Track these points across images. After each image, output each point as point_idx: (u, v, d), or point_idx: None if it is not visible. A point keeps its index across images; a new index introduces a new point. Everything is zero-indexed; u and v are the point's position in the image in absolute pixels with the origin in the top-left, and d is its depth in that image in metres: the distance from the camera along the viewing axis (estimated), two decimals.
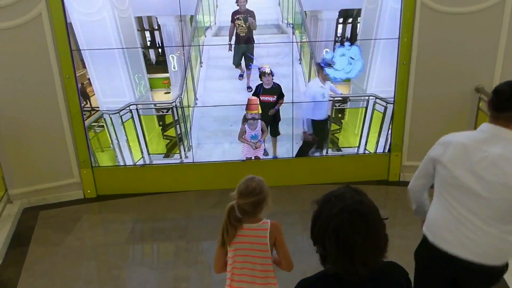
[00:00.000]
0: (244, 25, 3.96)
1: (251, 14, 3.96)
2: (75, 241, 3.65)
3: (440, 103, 3.97)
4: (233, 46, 4.06)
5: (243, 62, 4.20)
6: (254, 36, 4.04)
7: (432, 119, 4.03)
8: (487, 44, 3.73)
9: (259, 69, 4.09)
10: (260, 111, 4.14)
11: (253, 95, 4.16)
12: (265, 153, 4.32)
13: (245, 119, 4.09)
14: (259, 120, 4.11)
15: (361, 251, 1.24)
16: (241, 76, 4.20)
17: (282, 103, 4.17)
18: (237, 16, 3.99)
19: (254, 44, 4.06)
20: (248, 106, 4.07)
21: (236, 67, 4.16)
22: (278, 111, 4.21)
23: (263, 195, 2.03)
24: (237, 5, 3.94)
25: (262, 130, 4.16)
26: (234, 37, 4.07)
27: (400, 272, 1.42)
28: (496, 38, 3.68)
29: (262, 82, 4.10)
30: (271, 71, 4.06)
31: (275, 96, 4.14)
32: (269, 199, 2.07)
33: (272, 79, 4.09)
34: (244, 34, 4.04)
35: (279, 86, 4.12)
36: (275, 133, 4.32)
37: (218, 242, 2.11)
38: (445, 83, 3.90)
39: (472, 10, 3.66)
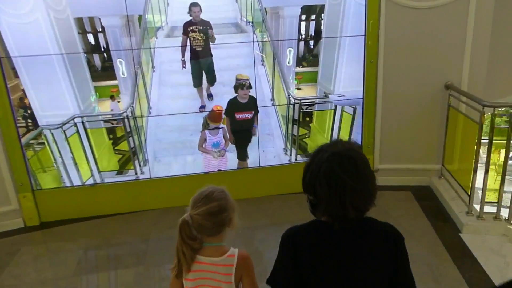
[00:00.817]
0: (200, 38, 3.68)
1: (208, 25, 3.69)
2: (10, 279, 3.22)
3: (410, 101, 3.94)
4: (187, 63, 3.78)
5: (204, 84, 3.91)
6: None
7: (402, 119, 4.00)
8: (455, 39, 3.72)
9: (237, 80, 3.76)
10: (224, 123, 3.89)
11: (225, 114, 3.85)
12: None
13: (205, 124, 3.84)
14: (221, 128, 3.89)
15: (351, 193, 1.32)
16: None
17: (257, 119, 3.92)
18: (191, 28, 3.68)
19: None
20: (211, 116, 3.79)
21: (197, 87, 3.88)
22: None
23: (224, 203, 1.63)
24: (190, 15, 3.61)
25: (224, 138, 3.93)
26: (187, 52, 3.79)
27: (393, 231, 1.45)
28: (463, 32, 3.67)
29: (236, 95, 3.79)
30: (250, 84, 3.75)
31: (252, 112, 3.85)
32: (235, 216, 1.68)
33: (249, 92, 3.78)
34: (201, 49, 3.74)
35: (254, 99, 3.87)
36: (244, 155, 4.04)
37: (172, 271, 1.69)
38: (415, 80, 3.87)
39: (438, 4, 3.66)
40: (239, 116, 3.85)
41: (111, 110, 3.83)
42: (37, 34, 3.46)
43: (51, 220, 3.94)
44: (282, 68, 3.98)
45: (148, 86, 3.88)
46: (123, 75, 3.72)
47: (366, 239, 1.40)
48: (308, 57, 4.06)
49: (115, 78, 3.75)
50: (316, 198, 1.36)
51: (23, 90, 3.64)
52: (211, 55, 3.79)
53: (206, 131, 3.88)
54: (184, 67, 3.75)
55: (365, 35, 3.83)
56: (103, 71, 3.77)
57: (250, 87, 3.77)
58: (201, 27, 3.68)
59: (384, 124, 4.06)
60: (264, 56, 3.91)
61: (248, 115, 3.87)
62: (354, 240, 1.39)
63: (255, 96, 3.92)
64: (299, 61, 4.01)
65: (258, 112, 3.90)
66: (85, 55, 3.67)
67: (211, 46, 3.80)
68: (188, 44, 3.76)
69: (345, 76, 4.04)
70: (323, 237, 1.40)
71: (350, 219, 1.35)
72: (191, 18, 3.67)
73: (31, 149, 3.78)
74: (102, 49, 3.74)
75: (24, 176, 3.78)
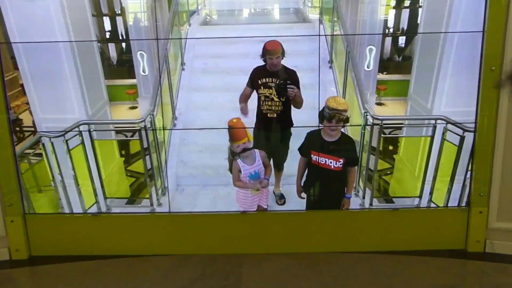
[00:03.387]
0: (276, 100, 2.97)
1: (293, 78, 2.97)
2: None
3: None
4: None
5: None
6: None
7: None
8: None
9: (328, 108, 2.91)
10: (250, 138, 3.10)
11: (300, 150, 3.08)
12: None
13: (231, 152, 3.24)
14: (256, 150, 3.23)
15: None
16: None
17: (354, 178, 3.08)
18: (264, 81, 2.99)
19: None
20: (231, 134, 3.17)
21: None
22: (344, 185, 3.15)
23: None
24: (263, 60, 2.95)
25: (264, 164, 3.32)
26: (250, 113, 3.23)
27: None
28: None
29: (321, 127, 2.96)
30: (340, 114, 2.85)
31: (341, 160, 2.98)
32: None
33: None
34: (275, 115, 3.04)
35: (350, 140, 3.04)
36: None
37: None
38: None
39: None
40: (316, 158, 3.01)
41: None
42: (43, 15, 3.32)
43: (43, 254, 3.56)
44: (358, 73, 3.46)
45: (175, 89, 3.59)
46: (144, 72, 3.46)
47: None
48: (397, 60, 3.40)
49: (133, 76, 3.54)
50: None
51: (21, 85, 3.58)
52: (291, 126, 3.09)
53: (239, 160, 3.28)
54: (246, 115, 3.08)
55: (484, 30, 3.19)
56: (119, 66, 3.63)
57: (344, 120, 2.92)
58: (279, 82, 2.93)
59: (508, 162, 3.33)
60: (333, 51, 3.29)
61: (333, 163, 2.99)
62: None
63: (348, 134, 3.15)
64: (384, 65, 3.55)
65: (355, 164, 3.06)
66: (99, 44, 3.54)
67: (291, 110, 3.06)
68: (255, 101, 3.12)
69: (449, 90, 3.48)
70: None
71: None
72: (265, 64, 3.02)
73: (26, 160, 3.56)
74: (120, 37, 3.58)
75: (15, 194, 3.45)
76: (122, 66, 3.54)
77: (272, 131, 3.11)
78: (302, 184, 3.38)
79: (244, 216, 3.58)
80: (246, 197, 3.43)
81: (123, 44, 3.51)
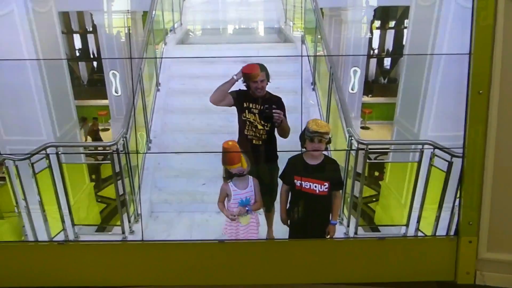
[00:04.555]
0: (261, 127, 2.97)
1: (278, 103, 2.95)
2: None
3: None
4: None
5: None
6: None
7: None
8: None
9: (309, 130, 2.91)
10: (244, 165, 3.04)
11: (281, 177, 3.06)
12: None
13: (227, 173, 3.17)
14: (250, 176, 3.18)
15: None
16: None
17: (339, 203, 3.06)
18: (248, 106, 2.95)
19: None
20: (225, 158, 3.11)
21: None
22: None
23: None
24: (246, 86, 2.91)
25: (255, 193, 3.24)
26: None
27: None
28: None
29: (303, 149, 2.95)
30: (322, 137, 2.85)
31: (326, 184, 2.96)
32: None
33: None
34: (259, 143, 3.02)
35: (334, 162, 3.03)
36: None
37: None
38: None
39: None
40: (300, 183, 2.98)
41: None
42: (9, 31, 3.30)
43: (4, 286, 3.49)
44: (342, 96, 3.48)
45: (149, 111, 3.55)
46: (117, 93, 3.43)
47: None
48: (383, 82, 3.46)
49: (105, 97, 3.49)
50: None
51: None
52: (275, 159, 3.04)
53: (231, 183, 3.22)
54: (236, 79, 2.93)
55: (470, 52, 3.21)
56: (90, 85, 3.54)
57: (326, 140, 2.91)
58: (264, 107, 2.91)
59: (498, 190, 3.31)
60: (316, 72, 3.36)
61: (318, 187, 2.96)
62: None
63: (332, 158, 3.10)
64: (369, 88, 3.54)
65: (340, 187, 3.06)
66: (68, 62, 3.52)
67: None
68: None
69: (437, 113, 3.52)
70: None
71: None
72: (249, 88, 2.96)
73: None
74: (92, 56, 3.53)
75: None
76: (93, 86, 3.52)
77: (256, 160, 3.05)
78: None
79: (222, 245, 3.49)
80: (237, 225, 3.29)
81: (94, 63, 3.51)
